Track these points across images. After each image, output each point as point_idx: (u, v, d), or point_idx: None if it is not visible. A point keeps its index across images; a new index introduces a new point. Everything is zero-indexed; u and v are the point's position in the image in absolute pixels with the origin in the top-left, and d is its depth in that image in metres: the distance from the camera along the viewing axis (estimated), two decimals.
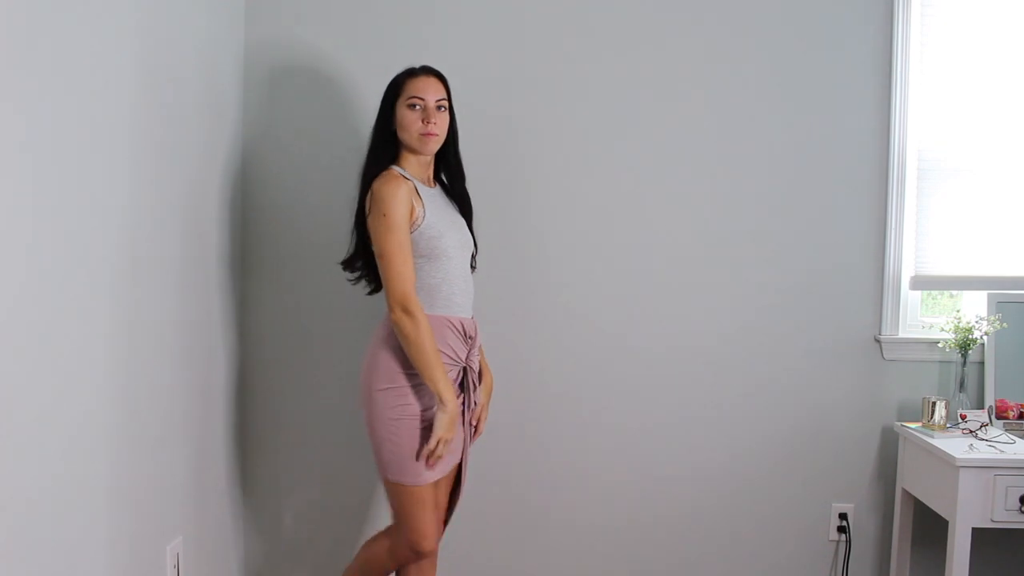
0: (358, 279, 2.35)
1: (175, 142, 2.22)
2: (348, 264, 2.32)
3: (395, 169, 2.21)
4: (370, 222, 2.17)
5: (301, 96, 2.73)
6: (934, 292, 2.93)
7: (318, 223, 2.73)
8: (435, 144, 2.24)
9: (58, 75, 1.66)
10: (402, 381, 2.17)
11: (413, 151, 2.25)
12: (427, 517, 2.21)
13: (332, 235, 2.72)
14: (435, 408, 2.14)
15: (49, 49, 1.62)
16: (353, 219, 2.29)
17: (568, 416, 2.81)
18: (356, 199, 2.27)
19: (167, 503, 2.22)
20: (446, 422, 2.12)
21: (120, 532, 1.96)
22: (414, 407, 2.17)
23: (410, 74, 2.25)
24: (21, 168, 1.55)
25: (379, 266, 2.17)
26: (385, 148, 2.25)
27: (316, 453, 2.81)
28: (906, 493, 2.73)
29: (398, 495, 2.21)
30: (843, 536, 2.82)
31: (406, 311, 2.12)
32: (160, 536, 2.19)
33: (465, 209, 2.37)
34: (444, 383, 2.12)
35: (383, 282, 2.18)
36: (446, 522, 2.38)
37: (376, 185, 2.18)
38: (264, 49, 2.71)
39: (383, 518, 2.78)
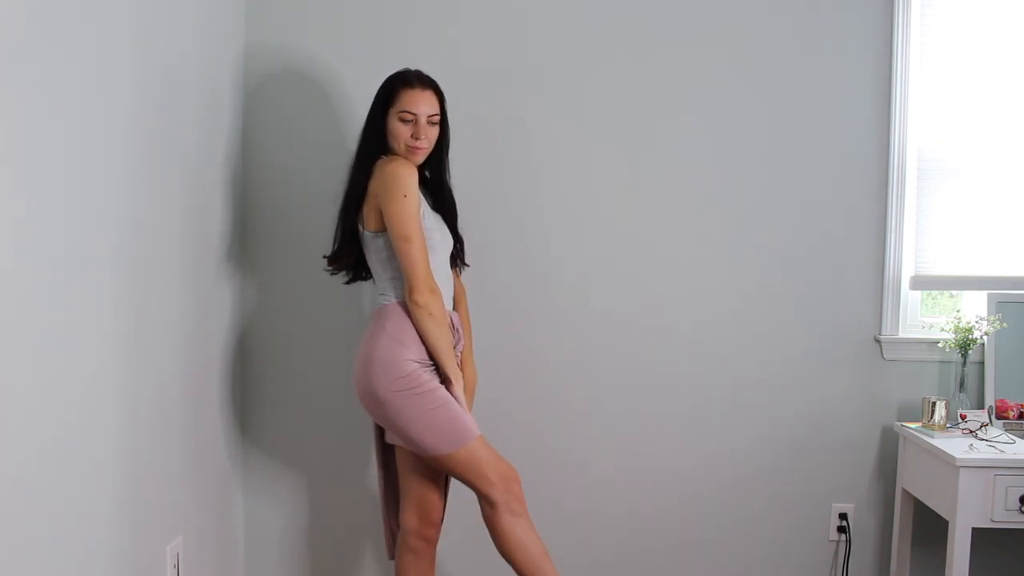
0: (336, 271, 2.35)
1: (175, 143, 2.22)
2: (337, 259, 2.32)
3: (402, 158, 2.22)
4: (388, 204, 2.15)
5: (300, 99, 2.73)
6: (934, 292, 2.93)
7: (316, 223, 2.72)
8: (421, 157, 2.26)
9: (58, 78, 1.65)
10: (411, 367, 2.16)
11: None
12: (497, 454, 2.21)
13: (331, 235, 2.72)
14: (444, 385, 2.20)
15: (48, 52, 1.62)
16: (340, 212, 2.30)
17: (569, 414, 2.81)
18: (343, 192, 2.28)
19: (167, 503, 2.22)
20: (462, 391, 2.23)
21: (120, 532, 1.96)
22: (432, 380, 2.19)
23: (405, 84, 2.23)
24: (22, 170, 1.54)
25: (399, 248, 2.15)
26: (375, 148, 2.25)
27: (316, 452, 2.81)
28: (906, 493, 2.73)
29: (467, 458, 2.16)
30: (843, 536, 2.82)
31: (432, 290, 2.15)
32: (160, 536, 2.18)
33: (448, 210, 2.37)
34: (453, 362, 2.21)
35: (404, 264, 2.15)
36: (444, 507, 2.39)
37: (391, 167, 2.17)
38: (263, 52, 2.71)
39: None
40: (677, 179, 2.77)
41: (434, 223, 2.26)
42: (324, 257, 2.37)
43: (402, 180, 2.14)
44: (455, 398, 2.20)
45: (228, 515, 2.70)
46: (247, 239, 2.75)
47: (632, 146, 2.76)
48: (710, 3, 2.74)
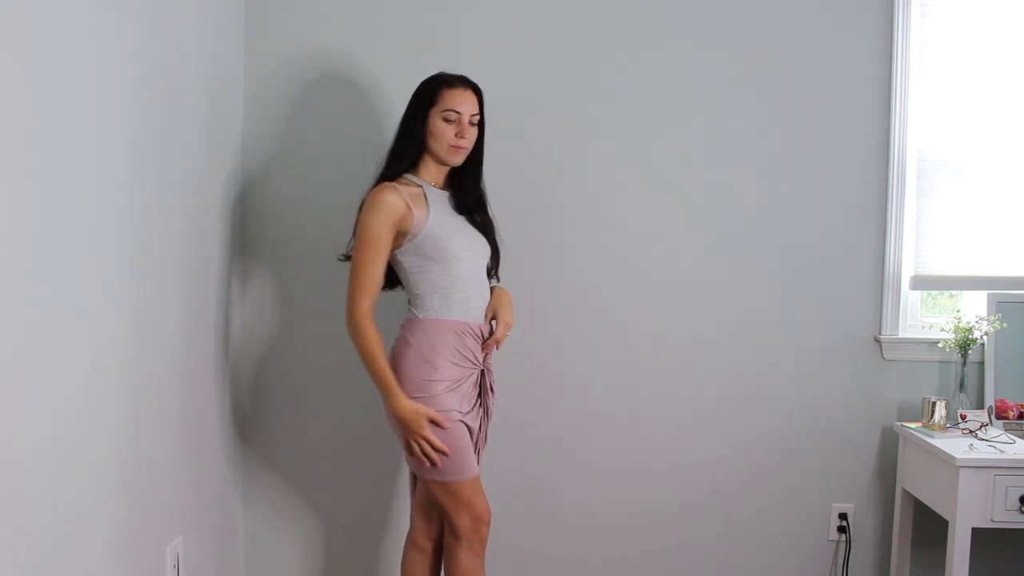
0: None
1: (178, 144, 2.22)
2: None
3: (388, 184, 2.22)
4: (356, 232, 2.22)
5: (302, 100, 2.72)
6: (934, 292, 2.93)
7: (318, 224, 2.73)
8: (462, 157, 2.27)
9: (60, 78, 1.65)
10: (436, 389, 2.17)
11: (438, 159, 2.26)
12: (483, 495, 2.25)
13: (333, 237, 2.72)
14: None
15: (51, 54, 1.62)
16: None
17: (566, 414, 2.81)
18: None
19: (167, 503, 2.22)
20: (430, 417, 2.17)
21: (120, 532, 1.96)
22: (453, 411, 2.19)
23: (448, 84, 2.24)
24: (25, 169, 1.54)
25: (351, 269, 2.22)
26: (408, 150, 2.26)
27: (317, 453, 2.80)
28: (906, 493, 2.73)
29: (454, 492, 2.21)
30: (843, 536, 2.82)
31: (352, 324, 2.18)
32: (160, 536, 2.18)
33: (483, 217, 2.35)
34: (394, 391, 2.16)
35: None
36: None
37: (368, 197, 2.22)
38: (265, 53, 2.71)
39: (385, 518, 2.78)
40: (676, 180, 2.77)
41: (453, 230, 2.24)
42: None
43: (364, 211, 2.20)
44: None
45: (228, 515, 2.70)
46: (249, 240, 2.75)
47: (631, 148, 2.76)
48: (712, 4, 2.74)
